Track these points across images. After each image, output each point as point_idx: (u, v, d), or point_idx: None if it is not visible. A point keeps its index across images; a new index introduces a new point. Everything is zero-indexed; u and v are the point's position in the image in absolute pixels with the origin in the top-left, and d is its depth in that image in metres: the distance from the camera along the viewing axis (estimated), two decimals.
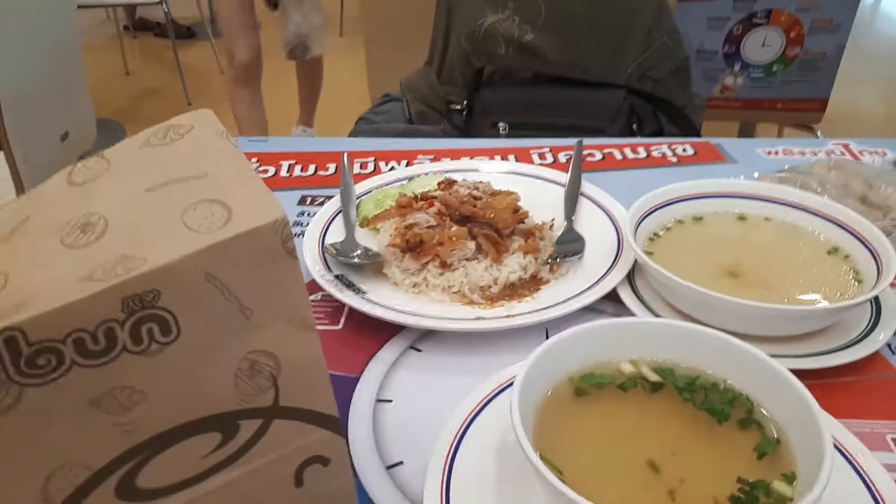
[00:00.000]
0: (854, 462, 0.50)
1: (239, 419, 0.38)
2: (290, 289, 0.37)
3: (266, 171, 0.97)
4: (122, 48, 4.12)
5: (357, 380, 0.61)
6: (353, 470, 0.53)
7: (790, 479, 0.44)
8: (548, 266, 0.73)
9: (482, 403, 0.54)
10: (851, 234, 0.70)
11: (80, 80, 1.84)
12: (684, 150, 1.02)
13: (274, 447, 0.39)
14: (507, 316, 0.65)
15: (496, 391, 0.55)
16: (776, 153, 1.01)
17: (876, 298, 0.68)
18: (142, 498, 0.36)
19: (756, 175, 0.88)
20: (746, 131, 2.51)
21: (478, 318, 0.65)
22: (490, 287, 0.70)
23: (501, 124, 1.44)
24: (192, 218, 0.35)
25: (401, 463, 0.54)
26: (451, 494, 0.47)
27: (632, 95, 1.41)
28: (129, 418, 0.35)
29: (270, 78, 3.72)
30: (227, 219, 0.35)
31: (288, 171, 0.97)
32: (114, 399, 0.34)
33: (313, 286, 0.70)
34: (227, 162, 0.39)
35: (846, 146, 1.03)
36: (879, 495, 0.48)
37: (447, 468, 0.49)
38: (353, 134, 1.45)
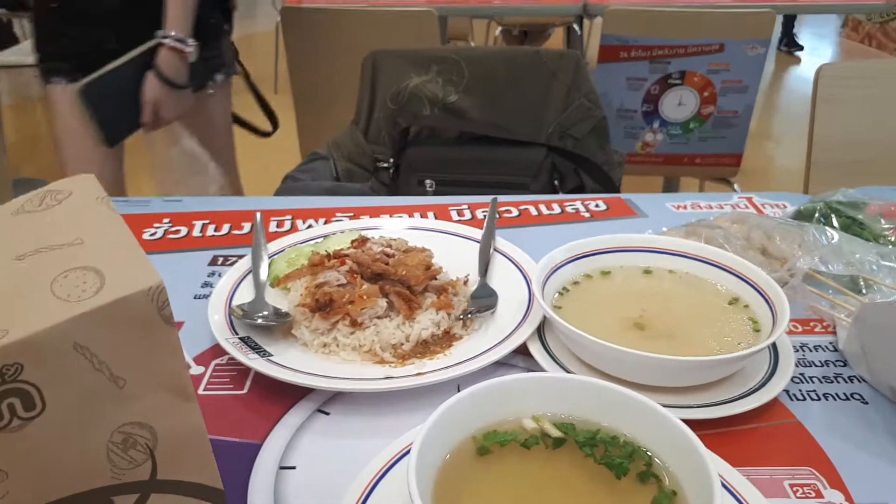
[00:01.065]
0: None
1: (113, 495, 0.36)
2: (167, 357, 0.36)
3: (178, 231, 0.95)
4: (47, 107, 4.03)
5: (260, 447, 0.59)
6: None
7: None
8: (461, 322, 0.74)
9: (385, 468, 0.53)
10: (750, 284, 0.73)
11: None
12: (597, 205, 1.05)
13: None
14: (418, 374, 0.65)
15: (400, 454, 0.54)
16: (685, 207, 1.05)
17: (774, 346, 0.70)
18: None
19: (664, 229, 0.92)
20: (670, 186, 2.61)
21: (387, 378, 0.65)
22: (402, 345, 0.70)
23: (428, 181, 1.46)
24: (63, 286, 0.35)
25: None
26: None
27: (553, 153, 1.46)
28: None
29: None
30: (100, 286, 0.35)
31: (201, 231, 0.95)
32: None
33: (219, 349, 0.68)
34: (105, 228, 0.39)
35: (750, 199, 1.08)
36: None
37: None
38: (279, 192, 1.45)
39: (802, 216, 0.95)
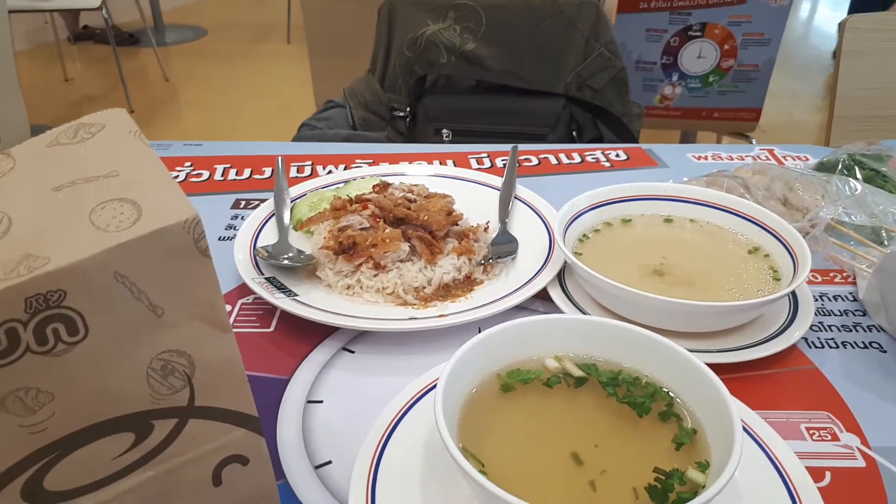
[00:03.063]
0: (768, 450, 0.52)
1: (152, 419, 0.37)
2: (203, 288, 0.37)
3: (200, 175, 0.95)
4: (61, 55, 4.01)
5: (288, 382, 0.61)
6: (281, 470, 0.53)
7: (704, 466, 0.46)
8: (481, 267, 0.74)
9: (410, 402, 0.54)
10: (771, 233, 0.73)
11: (13, 86, 1.79)
12: (617, 155, 1.04)
13: (190, 447, 0.39)
14: (440, 316, 0.66)
15: (425, 390, 0.55)
16: (706, 158, 1.05)
17: (794, 295, 0.70)
18: (49, 500, 0.35)
19: (685, 179, 0.91)
20: (687, 140, 2.58)
21: (411, 319, 0.65)
22: (424, 288, 0.70)
23: (445, 131, 1.45)
24: (101, 217, 0.35)
25: (329, 462, 0.53)
26: (376, 491, 0.47)
27: (571, 104, 1.44)
28: (36, 419, 0.34)
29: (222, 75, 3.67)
30: (137, 218, 0.35)
31: (222, 175, 0.96)
32: (18, 400, 0.33)
33: (245, 289, 0.69)
34: (139, 161, 0.39)
35: (771, 151, 1.07)
36: (791, 481, 0.50)
37: (374, 466, 0.49)
38: (296, 139, 1.44)
39: (825, 168, 0.95)
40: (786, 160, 1.05)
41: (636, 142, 1.46)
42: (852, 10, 4.40)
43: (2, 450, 0.34)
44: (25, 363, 0.33)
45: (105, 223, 0.35)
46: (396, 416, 0.53)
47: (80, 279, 0.33)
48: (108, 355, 0.35)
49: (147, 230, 0.34)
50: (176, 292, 0.36)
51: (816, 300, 0.72)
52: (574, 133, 1.44)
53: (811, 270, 0.75)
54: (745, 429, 0.53)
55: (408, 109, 1.47)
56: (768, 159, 1.05)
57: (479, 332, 0.51)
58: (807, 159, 1.04)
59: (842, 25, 1.57)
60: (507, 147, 1.02)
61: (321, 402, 0.59)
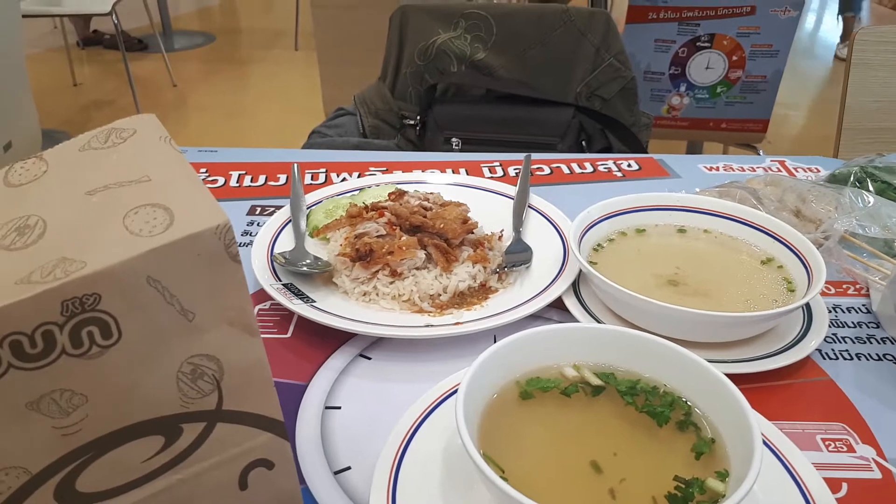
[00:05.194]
0: (785, 461, 0.52)
1: (182, 422, 0.38)
2: (234, 293, 0.37)
3: (215, 181, 0.96)
4: (70, 59, 4.03)
5: (305, 387, 0.61)
6: (300, 475, 0.53)
7: (723, 476, 0.46)
8: (496, 275, 0.75)
9: (429, 408, 0.55)
10: (785, 245, 0.74)
11: (25, 90, 1.80)
12: (629, 165, 1.05)
13: (217, 450, 0.39)
14: (456, 323, 0.66)
15: (443, 396, 0.56)
16: (717, 169, 1.05)
17: (808, 306, 0.71)
18: (81, 502, 0.36)
19: (697, 190, 0.92)
20: (693, 150, 2.59)
21: (427, 326, 0.66)
22: (439, 295, 0.71)
23: (454, 139, 1.45)
24: (134, 222, 0.36)
25: (348, 468, 0.54)
26: (396, 497, 0.48)
27: (580, 113, 1.45)
28: (69, 421, 0.34)
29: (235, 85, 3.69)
30: (170, 223, 0.36)
31: (238, 182, 0.96)
32: (53, 402, 0.34)
33: (262, 295, 0.70)
34: (171, 167, 0.39)
35: (782, 163, 1.07)
36: (809, 493, 0.50)
37: (394, 472, 0.50)
38: (306, 147, 1.45)
39: (837, 180, 0.95)
40: (797, 171, 1.05)
41: (645, 152, 1.47)
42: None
43: (36, 451, 0.34)
44: (61, 365, 0.33)
45: (138, 228, 0.35)
46: (416, 422, 0.53)
47: (114, 283, 0.33)
48: (140, 359, 0.35)
49: (180, 235, 0.35)
50: (207, 297, 0.37)
51: (830, 312, 0.73)
52: (583, 142, 1.44)
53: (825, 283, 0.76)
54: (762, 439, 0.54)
55: (418, 118, 1.48)
56: (779, 170, 1.05)
57: (495, 340, 0.52)
58: (818, 171, 1.05)
59: (853, 37, 1.57)
60: (519, 156, 1.03)
61: (339, 407, 0.59)
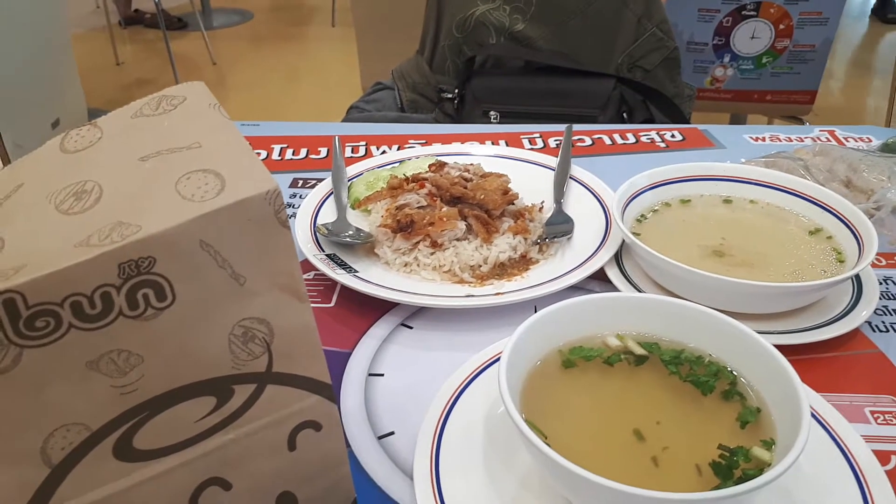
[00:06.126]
0: (833, 432, 0.52)
1: (233, 384, 0.39)
2: (283, 258, 0.38)
3: (258, 155, 0.97)
4: (113, 39, 4.09)
5: (349, 355, 0.62)
6: (345, 439, 0.54)
7: (769, 445, 0.45)
8: (537, 246, 0.74)
9: (472, 376, 0.55)
10: (834, 215, 0.72)
11: (71, 69, 1.84)
12: (672, 136, 1.03)
13: (267, 412, 0.40)
14: (497, 294, 0.66)
15: (485, 364, 0.56)
16: (763, 139, 1.02)
17: (858, 277, 0.69)
18: (138, 458, 0.37)
19: (743, 160, 0.90)
20: (738, 122, 2.53)
21: (468, 296, 0.66)
22: (480, 266, 0.71)
23: (493, 113, 1.44)
24: (186, 187, 0.36)
25: (392, 433, 0.55)
26: (440, 461, 0.48)
27: (622, 85, 1.42)
28: (126, 381, 0.36)
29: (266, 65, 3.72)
30: (221, 188, 0.36)
31: (280, 155, 0.97)
32: (111, 362, 0.35)
33: (306, 265, 0.71)
34: (220, 133, 0.40)
35: (832, 132, 1.04)
36: (857, 463, 0.50)
37: (437, 437, 0.50)
38: (345, 122, 1.46)
39: (890, 149, 0.92)
40: (847, 141, 1.02)
41: (688, 123, 1.44)
42: None
43: (96, 408, 0.35)
44: (118, 327, 0.34)
45: (191, 193, 0.36)
46: (458, 388, 0.54)
47: (168, 247, 0.34)
48: (193, 321, 0.36)
49: (231, 200, 0.35)
50: (257, 261, 0.37)
51: (881, 284, 0.71)
52: (624, 115, 1.42)
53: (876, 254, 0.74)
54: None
55: (456, 91, 1.47)
56: (829, 140, 1.02)
57: (535, 311, 0.52)
58: (870, 140, 1.02)
59: None
60: (560, 127, 1.02)
61: (382, 374, 0.60)
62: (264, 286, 0.38)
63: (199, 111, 0.41)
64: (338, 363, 0.61)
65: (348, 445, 0.53)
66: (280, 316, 0.39)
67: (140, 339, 0.35)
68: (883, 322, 0.67)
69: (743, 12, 2.10)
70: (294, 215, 0.78)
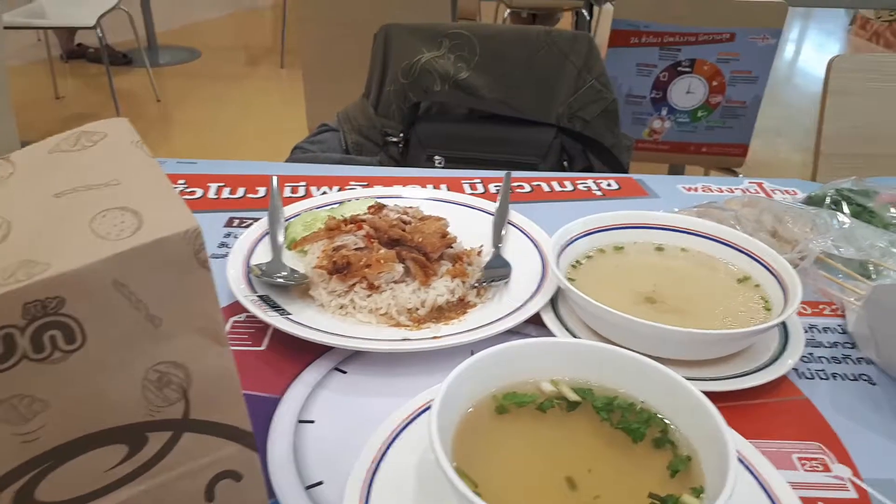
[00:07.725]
0: (761, 479, 0.52)
1: (147, 431, 0.37)
2: (202, 300, 0.37)
3: (193, 193, 0.95)
4: (53, 72, 4.00)
5: (279, 400, 0.60)
6: (271, 489, 0.52)
7: (698, 492, 0.46)
8: (475, 290, 0.74)
9: (404, 423, 0.54)
10: (762, 264, 0.74)
11: (5, 102, 1.78)
12: (609, 184, 1.05)
13: (184, 460, 0.38)
14: (434, 337, 0.66)
15: (419, 411, 0.55)
16: (696, 189, 1.06)
17: (784, 326, 0.71)
18: None
19: (675, 210, 0.92)
20: (675, 173, 2.61)
21: (404, 340, 0.65)
22: (417, 309, 0.70)
23: (437, 157, 1.46)
24: (101, 225, 0.35)
25: (321, 483, 0.53)
26: None
27: (562, 134, 1.46)
28: (29, 428, 0.33)
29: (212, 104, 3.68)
30: (138, 227, 0.35)
31: (216, 193, 0.95)
32: (12, 408, 0.33)
33: (237, 307, 0.69)
34: (141, 171, 0.39)
35: (760, 185, 1.08)
36: None
37: (367, 487, 0.49)
38: (289, 162, 1.44)
39: (813, 202, 0.96)
40: (774, 193, 1.06)
41: (626, 173, 1.48)
42: None
43: None
44: (21, 370, 0.32)
45: (106, 231, 0.35)
46: (390, 436, 0.52)
47: (79, 286, 0.33)
48: (105, 365, 0.34)
49: (147, 239, 0.34)
50: (174, 303, 0.36)
51: (806, 331, 0.73)
52: (565, 163, 1.45)
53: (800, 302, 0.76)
54: (738, 457, 0.54)
55: (401, 135, 1.48)
56: (757, 192, 1.06)
57: (472, 354, 0.51)
58: (795, 193, 1.06)
59: (829, 64, 1.61)
60: (500, 173, 1.03)
61: (312, 421, 0.58)
62: (181, 329, 0.36)
63: (121, 148, 0.40)
64: (266, 409, 0.59)
65: (273, 496, 0.51)
66: (198, 360, 0.37)
67: (45, 383, 0.33)
68: (808, 369, 0.68)
69: (678, 68, 2.19)
70: (227, 255, 0.76)
